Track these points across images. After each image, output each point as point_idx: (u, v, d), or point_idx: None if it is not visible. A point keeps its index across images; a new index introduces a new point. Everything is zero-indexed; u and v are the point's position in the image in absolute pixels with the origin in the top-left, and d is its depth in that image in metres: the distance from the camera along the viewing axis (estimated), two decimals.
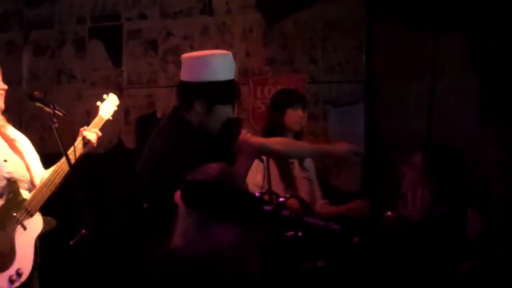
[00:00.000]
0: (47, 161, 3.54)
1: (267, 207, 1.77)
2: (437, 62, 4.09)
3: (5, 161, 3.17)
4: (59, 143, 3.10)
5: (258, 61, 5.01)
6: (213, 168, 2.11)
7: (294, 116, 4.11)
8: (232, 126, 3.13)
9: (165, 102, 5.24)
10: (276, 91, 4.46)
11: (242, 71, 5.01)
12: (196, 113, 3.05)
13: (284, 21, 4.93)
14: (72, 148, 3.30)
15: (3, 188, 3.12)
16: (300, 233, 1.75)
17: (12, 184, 3.14)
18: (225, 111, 3.09)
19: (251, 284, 1.89)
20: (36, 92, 3.24)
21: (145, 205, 2.93)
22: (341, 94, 4.82)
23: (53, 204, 3.31)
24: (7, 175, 3.14)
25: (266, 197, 1.82)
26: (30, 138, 3.56)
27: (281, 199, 1.80)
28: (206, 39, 5.15)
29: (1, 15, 5.74)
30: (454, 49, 4.44)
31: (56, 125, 3.13)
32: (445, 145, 3.10)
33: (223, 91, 3.04)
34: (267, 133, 4.09)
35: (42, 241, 3.29)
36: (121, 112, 5.21)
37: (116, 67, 5.42)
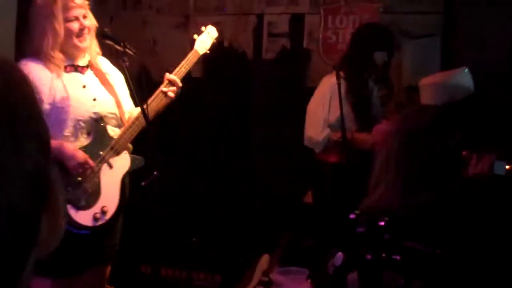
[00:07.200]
0: None
1: (360, 229, 1.75)
2: None
3: (94, 100, 3.14)
4: (129, 81, 3.10)
5: None
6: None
7: (376, 59, 3.94)
8: None
9: (233, 30, 5.11)
10: (363, 26, 4.20)
11: (313, 0, 4.82)
12: None
13: None
14: (156, 92, 3.28)
15: (91, 126, 3.10)
16: (398, 257, 1.66)
17: (99, 122, 3.12)
18: None
19: None
20: (106, 29, 3.20)
21: None
22: (417, 26, 4.59)
23: None
24: (94, 116, 3.11)
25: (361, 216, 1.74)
26: None
27: (381, 223, 1.71)
28: None
29: None
30: None
31: (127, 63, 3.12)
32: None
33: None
34: (348, 71, 3.95)
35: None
36: (187, 41, 5.11)
37: None
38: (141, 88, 3.40)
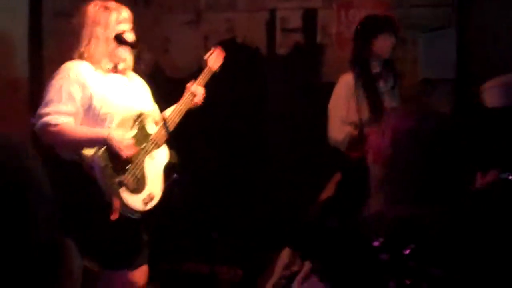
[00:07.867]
0: None
1: (383, 256, 1.75)
2: None
3: (136, 97, 3.38)
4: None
5: None
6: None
7: (382, 44, 3.97)
8: None
9: (245, 27, 5.11)
10: (363, 17, 4.23)
11: None
12: None
13: None
14: (180, 101, 3.51)
15: (134, 121, 3.32)
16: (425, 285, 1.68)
17: (141, 117, 3.34)
18: None
19: None
20: (121, 34, 3.28)
21: None
22: (431, 18, 4.57)
23: None
24: (137, 111, 3.34)
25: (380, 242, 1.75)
26: None
27: (406, 252, 1.71)
28: None
29: None
30: None
31: (143, 67, 3.34)
32: None
33: None
34: (354, 64, 4.02)
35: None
36: (200, 38, 5.12)
37: None
38: (156, 86, 3.54)
